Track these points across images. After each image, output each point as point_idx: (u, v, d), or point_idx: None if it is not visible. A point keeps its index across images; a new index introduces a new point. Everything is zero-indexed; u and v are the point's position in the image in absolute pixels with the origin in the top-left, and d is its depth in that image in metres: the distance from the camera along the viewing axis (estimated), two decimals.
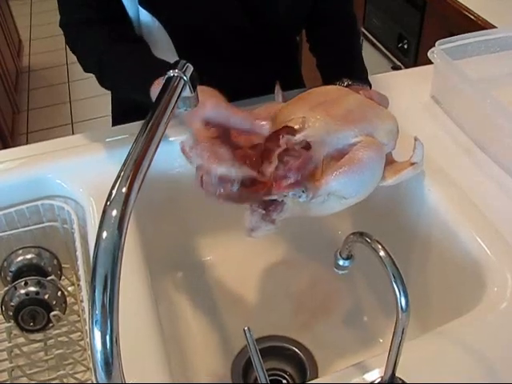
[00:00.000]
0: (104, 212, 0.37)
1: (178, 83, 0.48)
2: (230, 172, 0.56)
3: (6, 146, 2.38)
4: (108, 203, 0.37)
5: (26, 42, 3.61)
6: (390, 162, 0.71)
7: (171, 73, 0.48)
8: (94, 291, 0.35)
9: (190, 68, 0.50)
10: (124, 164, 0.39)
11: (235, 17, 0.87)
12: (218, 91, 0.66)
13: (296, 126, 0.63)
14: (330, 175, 0.61)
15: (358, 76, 0.84)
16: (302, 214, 0.65)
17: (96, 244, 0.36)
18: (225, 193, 0.58)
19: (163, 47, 0.86)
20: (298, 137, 0.61)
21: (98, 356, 0.35)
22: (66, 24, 0.86)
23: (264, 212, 0.63)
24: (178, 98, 0.47)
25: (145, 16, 0.85)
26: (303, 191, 0.59)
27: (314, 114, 0.65)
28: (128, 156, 0.40)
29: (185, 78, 0.48)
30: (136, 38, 0.86)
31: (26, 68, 3.34)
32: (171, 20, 0.85)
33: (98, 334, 0.35)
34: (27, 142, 2.61)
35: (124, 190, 0.37)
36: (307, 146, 0.61)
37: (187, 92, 0.49)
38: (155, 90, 0.71)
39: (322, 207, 0.64)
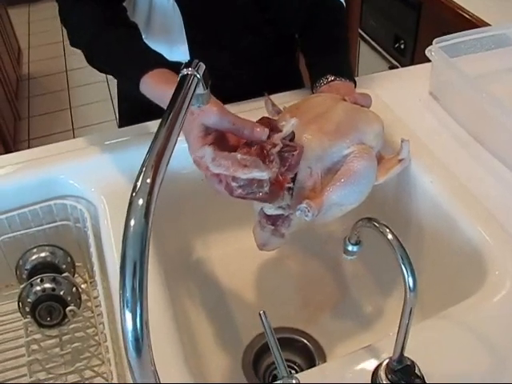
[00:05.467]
0: (131, 202, 0.39)
1: (191, 81, 0.50)
2: (262, 175, 0.59)
3: (8, 153, 2.39)
4: (134, 194, 0.39)
5: (25, 49, 3.64)
6: (378, 159, 0.75)
7: (185, 71, 0.51)
8: (125, 276, 0.37)
9: (203, 66, 0.52)
10: (146, 156, 0.42)
11: (247, 5, 0.90)
12: (217, 99, 0.67)
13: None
14: (329, 190, 0.66)
15: (341, 72, 0.87)
16: (308, 225, 0.69)
17: (124, 232, 0.38)
18: (256, 195, 0.61)
19: (174, 26, 0.88)
20: (286, 131, 0.64)
21: (129, 335, 0.37)
22: None
23: (273, 227, 0.66)
24: (192, 95, 0.49)
25: None
26: (308, 210, 0.62)
27: (308, 131, 0.68)
28: (150, 149, 0.42)
29: (198, 75, 0.51)
30: (129, 22, 0.85)
31: (26, 76, 3.37)
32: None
33: (128, 316, 0.37)
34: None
35: (148, 180, 0.40)
36: (293, 137, 0.65)
37: (200, 89, 0.52)
38: (146, 80, 0.72)
39: (324, 216, 0.67)
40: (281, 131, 0.64)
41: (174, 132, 0.44)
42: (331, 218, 0.69)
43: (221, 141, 0.65)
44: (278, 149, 0.62)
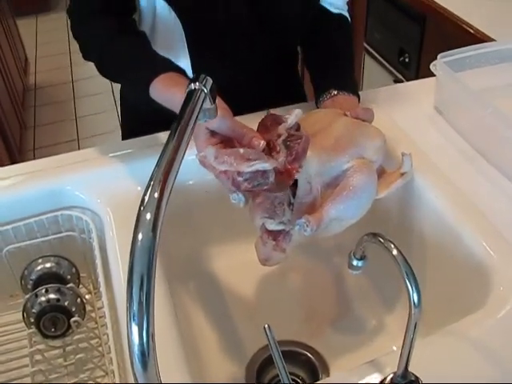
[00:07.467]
0: (138, 216, 0.39)
1: (199, 96, 0.51)
2: (264, 166, 0.59)
3: (14, 162, 2.41)
4: (141, 208, 0.40)
5: (32, 60, 3.67)
6: (380, 174, 0.75)
7: (192, 86, 0.51)
8: (132, 289, 0.37)
9: (210, 81, 0.53)
10: (154, 170, 0.42)
11: (243, 14, 0.90)
12: (224, 102, 0.68)
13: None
14: (328, 205, 0.66)
15: (344, 86, 0.88)
16: (309, 239, 0.69)
17: (132, 246, 0.39)
18: (263, 186, 0.62)
19: (176, 40, 0.90)
20: (290, 122, 0.65)
21: (135, 349, 0.37)
22: (71, 11, 0.87)
23: (274, 243, 0.67)
24: (199, 109, 0.50)
25: (161, 6, 0.87)
26: (306, 225, 0.63)
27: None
28: (157, 164, 0.43)
29: (205, 90, 0.51)
30: (138, 32, 0.87)
31: (33, 85, 3.39)
32: (186, 11, 0.88)
33: (135, 329, 0.37)
34: (34, 158, 2.64)
35: (156, 194, 0.40)
36: (298, 127, 0.66)
37: (208, 104, 0.52)
38: (156, 84, 0.73)
39: (324, 231, 0.68)
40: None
41: (182, 147, 0.45)
42: (332, 232, 0.70)
43: (228, 141, 0.66)
44: (282, 138, 0.63)
